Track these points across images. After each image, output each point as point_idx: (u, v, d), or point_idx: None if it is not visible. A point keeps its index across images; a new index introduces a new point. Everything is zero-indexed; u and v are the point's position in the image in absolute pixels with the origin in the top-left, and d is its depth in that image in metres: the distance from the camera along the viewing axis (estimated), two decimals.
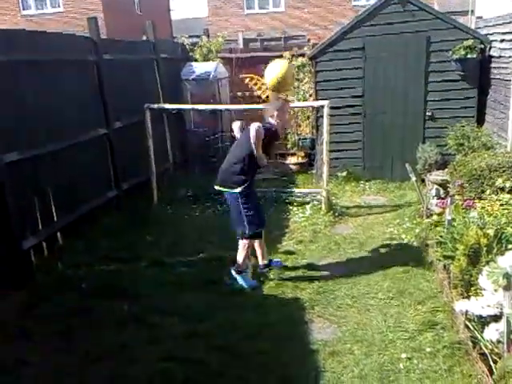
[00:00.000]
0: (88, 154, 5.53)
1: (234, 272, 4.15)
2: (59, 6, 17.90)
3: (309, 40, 9.09)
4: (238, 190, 3.89)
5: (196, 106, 6.62)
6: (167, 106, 6.50)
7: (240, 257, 4.14)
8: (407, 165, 5.54)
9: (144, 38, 7.70)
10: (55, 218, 4.91)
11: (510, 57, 5.61)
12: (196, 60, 8.49)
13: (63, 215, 4.99)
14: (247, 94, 9.04)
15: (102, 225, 5.44)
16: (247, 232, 4.03)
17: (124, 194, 6.14)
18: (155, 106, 6.24)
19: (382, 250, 4.76)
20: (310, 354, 3.20)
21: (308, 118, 8.07)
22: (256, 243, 4.23)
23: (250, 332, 3.43)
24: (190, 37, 9.11)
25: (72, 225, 5.08)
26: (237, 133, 4.25)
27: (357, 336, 3.35)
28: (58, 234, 4.99)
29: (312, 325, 3.54)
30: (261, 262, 4.35)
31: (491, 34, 6.37)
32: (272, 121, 4.03)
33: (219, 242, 5.00)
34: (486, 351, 2.78)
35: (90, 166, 5.56)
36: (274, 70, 3.98)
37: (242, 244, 4.12)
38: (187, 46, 8.70)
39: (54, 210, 4.88)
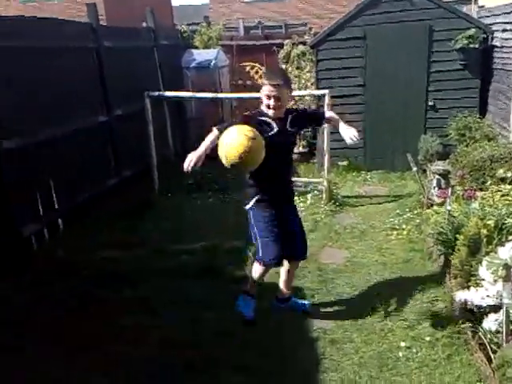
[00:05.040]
0: (89, 141, 5.53)
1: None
2: None
3: (310, 28, 9.00)
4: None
5: (196, 94, 6.59)
6: (167, 93, 6.47)
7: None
8: (408, 155, 5.54)
9: (144, 25, 7.64)
10: (56, 205, 4.92)
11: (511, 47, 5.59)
12: (196, 47, 8.45)
13: (64, 202, 4.99)
14: (248, 82, 8.99)
15: (104, 212, 5.45)
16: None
17: (125, 181, 6.14)
18: (155, 93, 6.21)
19: (382, 240, 4.77)
20: (310, 341, 3.22)
21: (309, 106, 8.02)
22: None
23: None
24: (191, 24, 9.06)
25: (73, 212, 5.09)
26: None
27: (356, 324, 3.37)
28: (60, 220, 5.00)
29: (313, 313, 3.56)
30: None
31: (493, 24, 6.33)
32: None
33: (220, 231, 5.01)
34: (485, 341, 2.80)
35: (90, 153, 5.55)
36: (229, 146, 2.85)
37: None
38: (187, 34, 8.64)
39: (54, 197, 4.89)
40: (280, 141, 3.09)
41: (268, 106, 3.04)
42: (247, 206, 3.22)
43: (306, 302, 3.62)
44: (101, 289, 3.89)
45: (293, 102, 8.24)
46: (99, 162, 5.81)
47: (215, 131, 3.00)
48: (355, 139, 3.19)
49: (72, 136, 5.14)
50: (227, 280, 4.07)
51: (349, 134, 3.22)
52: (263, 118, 3.07)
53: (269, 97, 3.02)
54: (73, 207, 5.12)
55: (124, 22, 7.46)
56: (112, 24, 6.77)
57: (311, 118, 3.55)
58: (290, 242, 3.28)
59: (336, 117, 3.40)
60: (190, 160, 2.92)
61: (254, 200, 3.17)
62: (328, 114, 3.43)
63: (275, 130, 3.07)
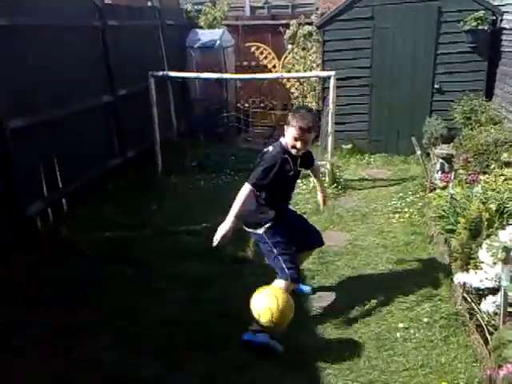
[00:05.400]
0: (93, 121, 5.53)
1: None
2: None
3: (317, 9, 8.85)
4: None
5: (201, 75, 6.55)
6: (172, 73, 6.43)
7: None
8: (413, 138, 5.51)
9: (149, 3, 7.56)
10: (60, 185, 4.95)
11: None
12: (201, 27, 8.36)
13: (68, 182, 5.02)
14: (253, 63, 8.91)
15: (107, 192, 5.49)
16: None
17: (129, 161, 6.16)
18: (160, 73, 6.17)
19: (384, 223, 4.79)
20: (309, 321, 3.27)
21: (314, 88, 7.97)
22: None
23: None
24: (196, 4, 8.94)
25: (77, 192, 5.12)
26: None
27: (356, 305, 3.40)
28: (63, 200, 5.04)
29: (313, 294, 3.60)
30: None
31: (503, 5, 6.22)
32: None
33: (222, 212, 5.03)
34: (483, 323, 2.83)
35: (95, 133, 5.56)
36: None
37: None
38: (193, 13, 8.54)
39: (58, 177, 4.92)
40: (294, 178, 3.20)
41: (294, 147, 3.00)
42: (259, 231, 3.14)
43: (306, 289, 3.62)
44: (104, 269, 3.94)
45: (298, 83, 8.21)
46: (103, 142, 5.82)
47: (248, 187, 3.01)
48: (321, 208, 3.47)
49: (76, 116, 5.13)
50: (229, 260, 4.11)
51: (322, 200, 3.62)
52: (286, 157, 3.04)
53: (296, 139, 2.98)
54: (77, 187, 5.15)
55: (129, 0, 7.36)
56: (117, 2, 6.69)
57: (308, 163, 3.43)
58: (307, 233, 3.39)
59: (318, 172, 3.68)
60: (218, 237, 2.97)
61: (267, 226, 3.11)
62: (316, 166, 3.58)
63: (293, 169, 3.10)
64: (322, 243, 3.49)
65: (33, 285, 3.74)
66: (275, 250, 3.09)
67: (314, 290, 3.62)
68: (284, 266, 3.05)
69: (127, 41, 6.31)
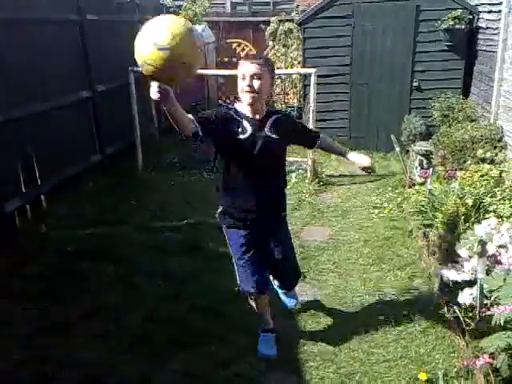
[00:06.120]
0: (72, 117, 5.44)
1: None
2: None
3: (297, 6, 8.89)
4: None
5: None
6: None
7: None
8: (392, 135, 5.59)
9: None
10: (39, 182, 4.87)
11: (496, 28, 5.61)
12: None
13: (47, 178, 4.94)
14: (234, 59, 8.90)
15: (87, 189, 5.41)
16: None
17: (108, 158, 6.09)
18: (140, 68, 6.08)
19: (364, 218, 4.85)
20: (291, 314, 3.29)
21: (295, 85, 8.01)
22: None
23: (233, 294, 3.49)
24: None
25: (56, 188, 5.04)
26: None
27: (337, 299, 3.46)
28: (42, 197, 4.96)
29: (294, 288, 3.62)
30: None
31: (480, 5, 6.34)
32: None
33: (204, 209, 5.03)
34: (460, 315, 2.90)
35: (73, 129, 5.48)
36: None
37: None
38: (173, 9, 8.47)
39: (37, 174, 4.83)
40: (255, 148, 2.43)
41: (248, 91, 2.35)
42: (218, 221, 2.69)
43: (290, 303, 3.22)
44: (84, 266, 3.89)
45: (279, 82, 8.23)
46: (83, 139, 5.74)
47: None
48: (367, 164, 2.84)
49: (55, 111, 5.05)
50: (211, 256, 4.10)
51: (361, 160, 2.88)
52: (232, 115, 2.43)
53: (244, 77, 2.34)
54: (55, 183, 5.07)
55: None
56: None
57: (299, 135, 2.77)
58: (280, 271, 2.94)
59: (331, 144, 2.94)
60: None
61: (219, 211, 2.64)
62: (325, 142, 2.86)
63: (248, 132, 2.42)
64: (290, 289, 3.12)
65: (11, 282, 3.67)
66: (231, 253, 2.67)
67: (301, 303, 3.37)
68: (237, 275, 2.70)
69: (106, 35, 6.22)
